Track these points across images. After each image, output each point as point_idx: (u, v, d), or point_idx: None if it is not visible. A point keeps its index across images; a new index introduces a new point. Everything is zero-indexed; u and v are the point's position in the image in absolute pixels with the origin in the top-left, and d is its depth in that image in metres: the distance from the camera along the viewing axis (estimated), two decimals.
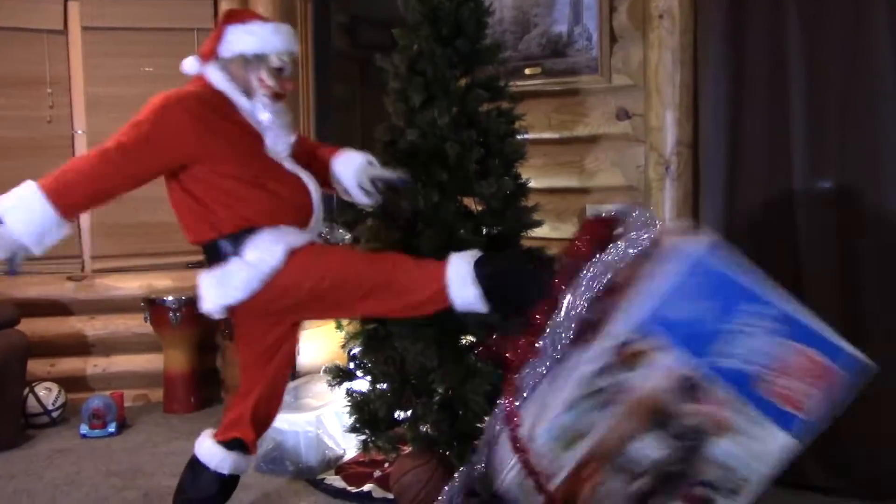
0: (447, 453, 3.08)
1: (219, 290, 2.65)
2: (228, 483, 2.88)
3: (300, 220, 2.71)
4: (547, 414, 2.23)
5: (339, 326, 4.31)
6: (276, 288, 2.59)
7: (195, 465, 2.88)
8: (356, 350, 3.32)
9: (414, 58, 3.13)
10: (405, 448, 3.19)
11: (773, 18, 3.29)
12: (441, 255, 2.89)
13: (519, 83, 3.85)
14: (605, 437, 2.20)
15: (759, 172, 3.37)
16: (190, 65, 2.73)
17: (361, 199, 2.91)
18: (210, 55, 2.69)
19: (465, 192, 3.15)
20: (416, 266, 2.63)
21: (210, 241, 2.68)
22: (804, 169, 3.27)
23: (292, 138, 2.78)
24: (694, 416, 2.17)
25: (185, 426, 4.37)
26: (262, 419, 2.89)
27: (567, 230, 3.81)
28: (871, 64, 3.16)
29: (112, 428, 4.26)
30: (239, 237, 2.61)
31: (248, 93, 2.68)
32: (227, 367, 4.46)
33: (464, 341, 3.15)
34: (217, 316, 2.73)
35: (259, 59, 2.67)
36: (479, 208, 3.19)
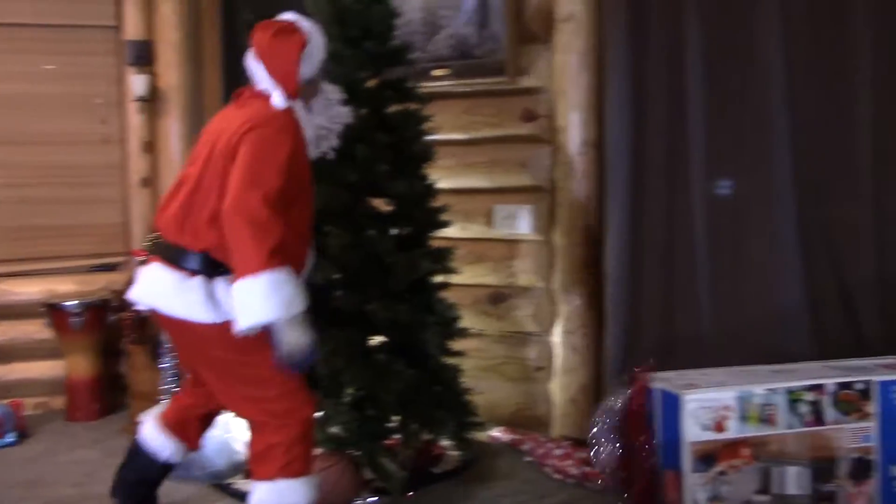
0: (357, 454, 3.08)
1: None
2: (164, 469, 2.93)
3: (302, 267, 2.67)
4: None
5: None
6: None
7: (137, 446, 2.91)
8: None
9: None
10: (315, 451, 3.17)
11: (673, 23, 3.41)
12: (352, 256, 2.90)
13: (428, 84, 3.86)
14: (776, 438, 2.78)
15: (661, 172, 3.48)
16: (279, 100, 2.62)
17: None
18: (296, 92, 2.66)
19: (375, 193, 3.16)
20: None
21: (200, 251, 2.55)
22: (702, 168, 3.39)
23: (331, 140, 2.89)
24: (841, 488, 2.83)
25: (88, 434, 4.25)
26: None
27: (476, 230, 3.86)
28: (765, 66, 3.30)
29: (10, 437, 4.10)
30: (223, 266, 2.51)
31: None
32: (132, 372, 4.35)
33: (373, 341, 3.16)
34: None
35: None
36: (389, 209, 3.21)
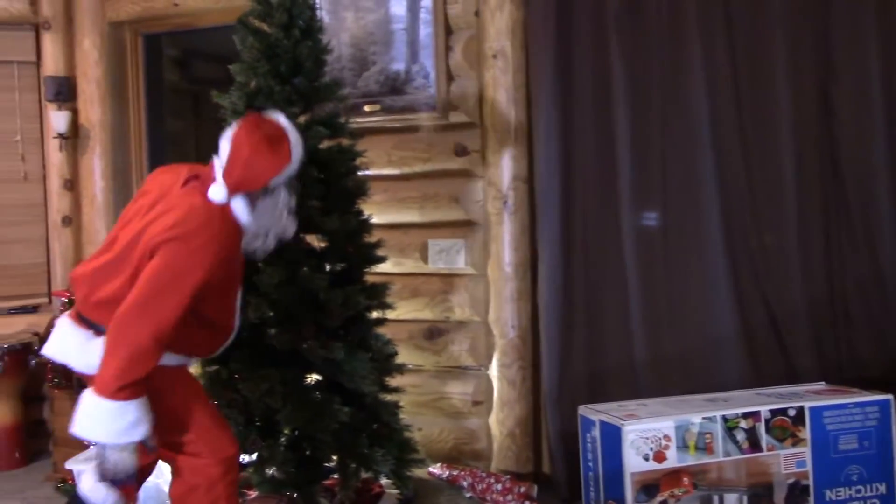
0: (294, 495, 3.02)
1: None
2: None
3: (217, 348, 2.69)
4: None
5: None
6: None
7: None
8: None
9: (252, 94, 3.09)
10: (251, 493, 3.10)
11: (597, 59, 3.49)
12: (285, 294, 2.86)
13: (358, 120, 3.86)
14: (714, 465, 2.85)
15: (591, 205, 3.54)
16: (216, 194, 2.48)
17: None
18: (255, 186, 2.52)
19: (307, 230, 3.12)
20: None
21: None
22: (631, 201, 3.46)
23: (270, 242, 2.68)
24: None
25: (9, 485, 4.08)
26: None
27: (409, 265, 3.85)
28: (688, 101, 3.40)
29: None
30: None
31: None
32: (56, 417, 4.19)
33: (309, 380, 3.11)
34: None
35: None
36: (323, 245, 3.18)
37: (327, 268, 3.15)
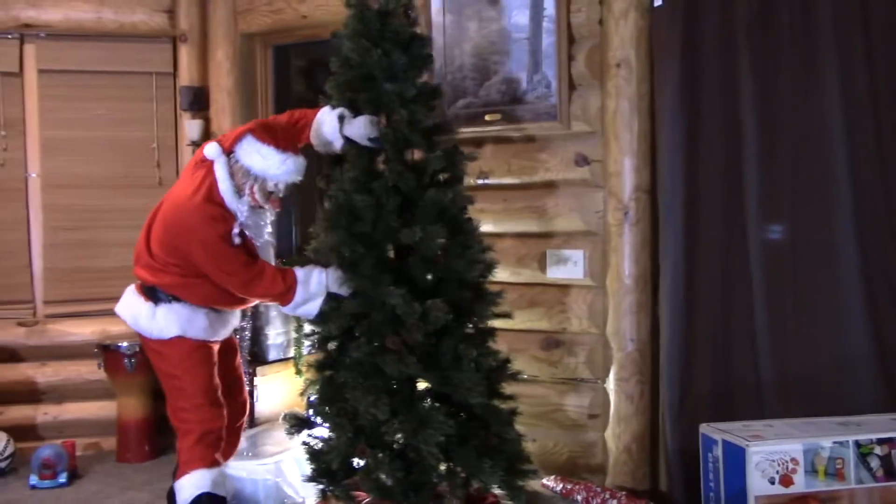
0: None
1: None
2: None
3: (237, 304, 3.30)
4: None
5: (298, 372, 4.27)
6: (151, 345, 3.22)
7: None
8: (314, 398, 3.27)
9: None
10: (362, 497, 3.14)
11: (726, 68, 3.38)
12: (364, 306, 3.02)
13: (479, 129, 3.89)
14: (846, 493, 2.75)
15: (716, 217, 3.43)
16: (210, 151, 3.10)
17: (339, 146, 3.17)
18: (228, 150, 3.09)
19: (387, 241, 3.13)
20: None
21: (152, 285, 3.19)
22: (758, 214, 3.34)
23: (266, 237, 3.26)
24: None
25: (139, 476, 4.27)
26: None
27: (527, 275, 3.84)
28: (822, 111, 3.25)
29: (63, 478, 4.14)
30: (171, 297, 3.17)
31: (239, 191, 3.07)
32: None
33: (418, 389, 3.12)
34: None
35: (258, 177, 3.07)
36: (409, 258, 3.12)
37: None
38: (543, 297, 3.81)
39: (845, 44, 3.18)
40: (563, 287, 3.78)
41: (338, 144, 3.14)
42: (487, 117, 3.90)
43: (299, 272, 3.05)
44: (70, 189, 4.76)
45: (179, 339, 3.14)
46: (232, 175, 3.07)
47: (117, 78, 4.79)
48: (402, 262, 3.10)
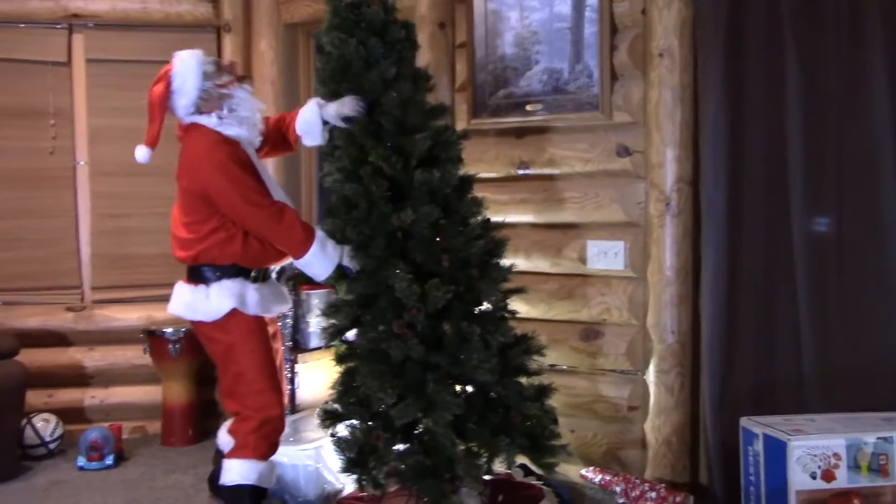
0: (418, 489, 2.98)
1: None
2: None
3: (276, 257, 3.26)
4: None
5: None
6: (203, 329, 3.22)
7: None
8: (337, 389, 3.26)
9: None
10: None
11: (771, 58, 3.33)
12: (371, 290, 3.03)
13: (520, 119, 3.89)
14: (889, 489, 2.72)
15: (759, 209, 3.40)
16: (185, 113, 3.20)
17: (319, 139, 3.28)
18: (196, 110, 3.16)
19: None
20: None
21: (204, 264, 3.18)
22: (802, 207, 3.29)
23: (260, 125, 3.28)
24: None
25: (183, 459, 4.35)
26: None
27: (567, 266, 3.83)
28: (868, 104, 3.19)
29: (109, 460, 4.24)
30: (225, 270, 3.16)
31: (216, 108, 3.16)
32: None
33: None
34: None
35: (204, 79, 3.15)
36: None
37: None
38: (583, 288, 3.81)
39: (894, 32, 3.12)
40: (604, 278, 3.77)
41: (317, 130, 3.23)
42: (528, 107, 3.89)
43: (318, 230, 3.09)
44: (117, 177, 4.84)
45: (236, 315, 3.12)
46: (203, 111, 3.15)
47: (163, 67, 4.85)
48: (406, 245, 3.12)
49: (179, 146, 3.25)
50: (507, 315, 3.21)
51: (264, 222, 3.06)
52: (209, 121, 3.14)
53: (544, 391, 3.23)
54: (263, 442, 3.14)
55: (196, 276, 3.20)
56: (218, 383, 3.58)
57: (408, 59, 3.27)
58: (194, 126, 3.17)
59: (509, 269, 3.23)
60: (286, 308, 3.49)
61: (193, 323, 3.24)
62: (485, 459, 3.05)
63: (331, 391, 3.21)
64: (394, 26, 3.24)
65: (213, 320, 3.14)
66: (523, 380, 3.20)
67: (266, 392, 3.14)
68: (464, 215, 3.18)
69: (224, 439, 3.27)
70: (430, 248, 3.07)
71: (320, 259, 3.05)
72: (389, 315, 3.02)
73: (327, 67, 3.26)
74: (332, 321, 3.16)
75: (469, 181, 3.27)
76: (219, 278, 3.14)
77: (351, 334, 3.20)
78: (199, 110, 3.15)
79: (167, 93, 3.17)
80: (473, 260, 3.13)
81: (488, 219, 3.27)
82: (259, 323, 3.19)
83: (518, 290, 3.29)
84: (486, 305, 3.18)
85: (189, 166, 3.13)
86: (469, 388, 3.13)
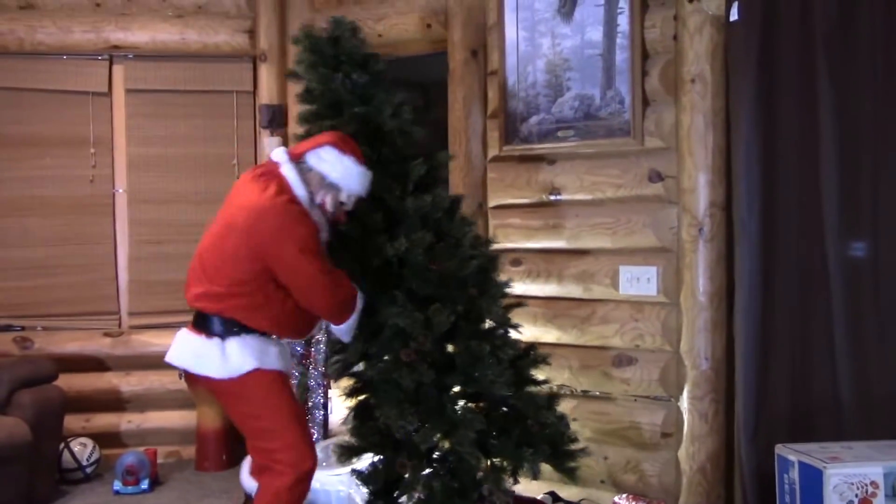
0: None
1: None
2: None
3: (304, 330, 3.13)
4: None
5: None
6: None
7: None
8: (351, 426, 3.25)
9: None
10: None
11: (804, 82, 3.32)
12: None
13: (552, 145, 3.91)
14: None
15: (793, 233, 3.37)
16: (278, 155, 3.00)
17: None
18: (298, 157, 2.97)
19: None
20: None
21: (215, 314, 2.90)
22: (837, 231, 3.26)
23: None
24: None
25: (216, 484, 4.38)
26: None
27: (599, 292, 3.82)
28: None
29: (145, 485, 4.27)
30: (237, 327, 2.89)
31: (311, 198, 2.96)
32: None
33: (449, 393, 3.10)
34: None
35: (333, 186, 2.96)
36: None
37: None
38: (616, 314, 3.79)
39: None
40: (637, 304, 3.75)
41: None
42: (560, 133, 3.91)
43: (360, 297, 3.03)
44: (154, 204, 4.93)
45: (257, 374, 2.85)
46: (305, 182, 2.93)
47: (200, 97, 4.95)
48: (402, 272, 3.13)
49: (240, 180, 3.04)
50: (511, 328, 3.26)
51: (328, 291, 2.90)
52: (301, 191, 2.92)
53: (555, 398, 3.27)
54: (300, 497, 2.91)
55: (209, 328, 2.89)
56: None
57: (389, 90, 3.32)
58: (278, 177, 2.91)
59: (507, 284, 3.30)
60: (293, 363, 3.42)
61: (199, 376, 2.93)
62: (510, 472, 3.07)
63: (345, 426, 3.21)
64: (372, 59, 3.29)
65: (229, 378, 2.87)
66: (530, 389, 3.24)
67: (299, 444, 2.89)
68: (456, 236, 3.21)
69: (248, 482, 3.17)
70: (426, 274, 3.08)
71: (355, 322, 3.03)
72: (396, 344, 3.04)
73: (313, 106, 3.27)
74: (338, 357, 3.20)
75: (458, 202, 3.32)
76: (239, 333, 2.87)
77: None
78: (305, 180, 2.94)
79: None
80: (470, 279, 3.16)
81: (478, 235, 3.34)
82: (280, 373, 2.97)
83: (518, 305, 3.37)
84: (489, 323, 3.23)
85: (271, 227, 2.80)
86: (481, 405, 3.14)
